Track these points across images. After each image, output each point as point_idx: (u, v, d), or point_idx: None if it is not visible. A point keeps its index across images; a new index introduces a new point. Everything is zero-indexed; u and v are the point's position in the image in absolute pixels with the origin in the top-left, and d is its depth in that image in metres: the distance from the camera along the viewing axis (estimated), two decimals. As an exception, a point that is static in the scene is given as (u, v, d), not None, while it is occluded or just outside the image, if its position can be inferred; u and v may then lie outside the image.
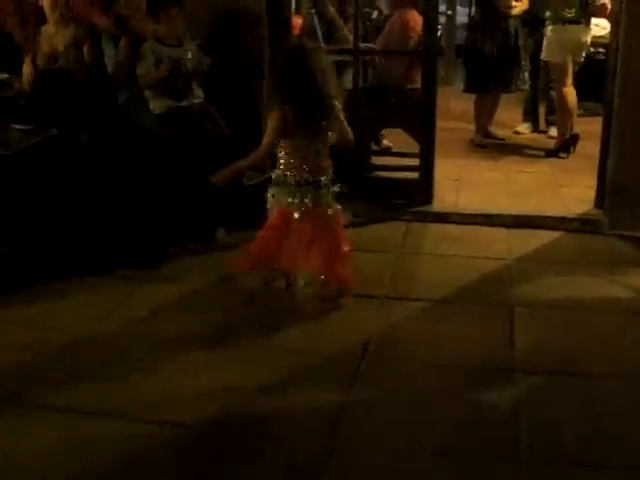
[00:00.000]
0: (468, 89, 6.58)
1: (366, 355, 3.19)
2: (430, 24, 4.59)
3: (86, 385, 2.93)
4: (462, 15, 7.03)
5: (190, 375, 2.99)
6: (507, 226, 4.66)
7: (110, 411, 2.76)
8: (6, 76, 4.52)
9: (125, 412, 2.76)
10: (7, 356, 3.15)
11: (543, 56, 6.06)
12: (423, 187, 4.85)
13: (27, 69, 4.47)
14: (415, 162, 4.94)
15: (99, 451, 2.54)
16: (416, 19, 5.19)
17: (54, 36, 4.48)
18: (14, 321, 3.49)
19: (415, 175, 4.91)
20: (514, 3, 6.28)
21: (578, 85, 6.11)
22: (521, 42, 6.56)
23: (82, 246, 4.00)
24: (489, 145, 6.51)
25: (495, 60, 6.28)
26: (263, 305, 3.57)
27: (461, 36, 6.89)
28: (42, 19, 4.53)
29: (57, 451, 2.54)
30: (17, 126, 4.06)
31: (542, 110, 6.97)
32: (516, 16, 6.37)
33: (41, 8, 4.55)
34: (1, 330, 3.41)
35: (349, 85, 5.02)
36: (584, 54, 6.06)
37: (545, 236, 4.55)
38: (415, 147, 5.05)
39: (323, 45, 5.34)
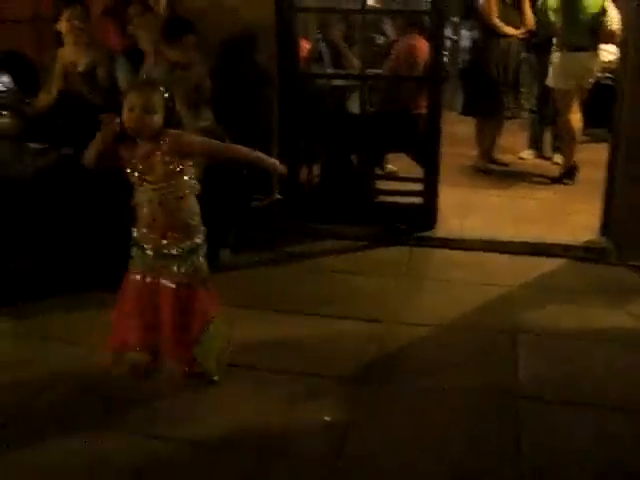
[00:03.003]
0: (464, 112, 6.69)
1: (368, 379, 3.30)
2: (436, 50, 4.70)
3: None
4: (467, 39, 7.11)
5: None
6: (512, 253, 4.77)
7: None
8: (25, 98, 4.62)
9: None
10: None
11: (548, 82, 6.16)
12: (427, 212, 4.99)
13: (44, 91, 4.57)
14: (419, 187, 5.06)
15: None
16: (422, 45, 5.33)
17: (70, 59, 4.59)
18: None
19: (419, 200, 5.02)
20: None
21: (585, 111, 6.18)
22: (524, 66, 6.63)
23: (93, 262, 4.13)
24: (493, 171, 6.61)
25: (493, 84, 6.37)
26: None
27: (463, 59, 6.97)
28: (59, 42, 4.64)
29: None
30: (34, 145, 4.19)
31: (548, 136, 7.04)
32: (519, 39, 6.42)
33: (58, 32, 4.67)
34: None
35: (355, 109, 5.12)
36: (591, 80, 6.11)
37: (550, 263, 4.66)
38: (419, 172, 5.16)
39: (330, 70, 5.46)
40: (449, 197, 5.23)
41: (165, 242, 3.01)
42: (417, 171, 5.29)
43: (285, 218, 4.96)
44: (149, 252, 3.03)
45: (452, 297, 4.14)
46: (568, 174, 6.19)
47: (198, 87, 4.41)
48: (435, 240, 4.89)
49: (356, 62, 5.36)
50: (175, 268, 3.02)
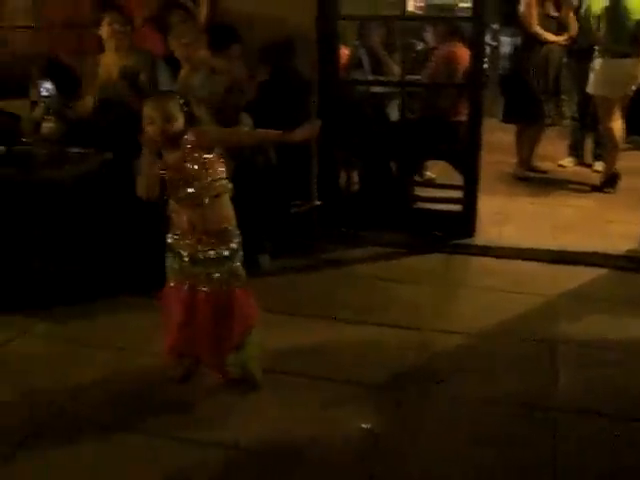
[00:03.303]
0: (504, 119, 6.66)
1: (404, 387, 3.31)
2: (476, 56, 4.70)
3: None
4: (507, 46, 7.08)
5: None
6: (551, 261, 4.74)
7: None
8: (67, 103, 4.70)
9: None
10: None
11: (589, 89, 6.11)
12: (466, 220, 4.99)
13: (85, 96, 4.65)
14: (458, 194, 5.07)
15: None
16: (462, 52, 5.32)
17: (112, 65, 4.66)
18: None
19: (458, 207, 5.04)
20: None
21: (627, 118, 6.12)
22: (565, 73, 6.60)
23: (129, 267, 4.21)
24: (532, 178, 6.57)
25: (533, 91, 6.34)
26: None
27: (505, 67, 6.95)
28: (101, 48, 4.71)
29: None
30: (75, 149, 4.27)
31: (588, 143, 6.99)
32: (560, 45, 6.39)
33: (99, 37, 4.73)
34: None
35: (395, 116, 5.14)
36: (634, 88, 6.06)
37: (589, 273, 4.61)
38: (458, 179, 5.17)
39: (370, 76, 5.48)
40: (487, 205, 5.22)
41: (201, 247, 3.02)
42: (456, 178, 5.30)
43: (324, 224, 4.99)
44: (185, 259, 3.05)
45: (490, 305, 4.13)
46: (609, 182, 6.14)
47: (237, 93, 4.46)
48: (473, 248, 4.88)
49: (396, 69, 5.37)
50: (212, 274, 3.03)
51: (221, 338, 3.09)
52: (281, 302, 4.06)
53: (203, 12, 5.08)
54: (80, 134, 4.52)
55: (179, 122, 2.94)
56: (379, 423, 3.02)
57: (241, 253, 3.12)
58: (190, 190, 2.97)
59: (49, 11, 5.67)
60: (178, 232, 3.06)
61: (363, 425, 3.00)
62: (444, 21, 5.69)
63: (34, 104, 4.99)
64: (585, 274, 4.56)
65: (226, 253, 3.04)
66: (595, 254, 4.75)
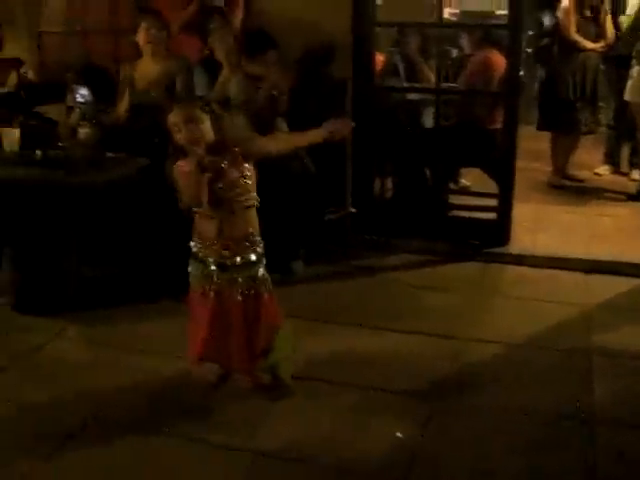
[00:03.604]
0: (540, 127, 6.61)
1: (439, 396, 3.30)
2: (512, 64, 4.68)
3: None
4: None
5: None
6: (586, 271, 4.70)
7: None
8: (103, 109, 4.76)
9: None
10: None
11: (627, 97, 6.06)
12: (500, 228, 4.96)
13: (121, 102, 4.69)
14: (492, 202, 5.04)
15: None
16: (498, 59, 5.30)
17: (148, 70, 4.71)
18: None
19: (492, 216, 5.02)
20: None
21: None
22: (602, 80, 6.54)
23: (165, 271, 4.24)
24: (567, 187, 6.52)
25: (569, 99, 6.29)
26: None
27: (539, 73, 6.90)
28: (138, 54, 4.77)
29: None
30: (111, 154, 4.31)
31: (625, 152, 6.92)
32: (597, 53, 6.35)
33: (136, 43, 4.79)
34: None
35: (429, 123, 5.13)
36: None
37: (625, 283, 4.57)
38: (493, 187, 5.14)
39: (405, 83, 5.47)
40: (522, 213, 5.20)
41: (228, 254, 3.02)
42: (490, 186, 5.28)
43: (358, 231, 5.00)
44: (212, 266, 3.04)
45: (526, 315, 4.10)
46: (646, 191, 6.09)
47: (274, 98, 4.48)
48: (508, 256, 4.85)
49: (431, 76, 5.37)
50: (240, 279, 3.04)
51: (250, 342, 3.09)
52: (314, 309, 4.07)
53: (238, 17, 5.12)
54: (115, 139, 4.58)
55: (205, 125, 2.94)
56: (413, 432, 3.00)
57: (264, 259, 3.12)
58: (226, 197, 2.97)
59: (86, 16, 5.75)
60: (202, 239, 3.05)
61: (397, 434, 2.99)
62: (480, 28, 5.66)
63: (70, 109, 5.06)
64: (620, 284, 4.52)
65: (253, 258, 3.05)
66: (631, 264, 4.70)
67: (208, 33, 4.71)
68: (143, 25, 4.69)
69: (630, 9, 6.29)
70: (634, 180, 6.52)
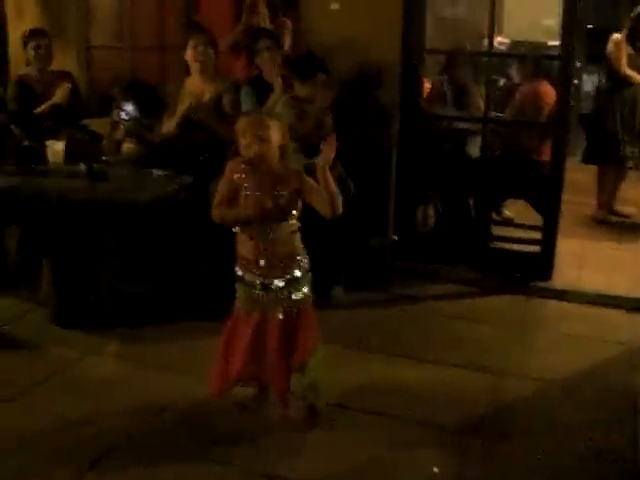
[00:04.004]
0: (585, 160, 6.54)
1: (476, 431, 3.24)
2: (563, 96, 4.64)
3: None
4: (589, 84, 7.01)
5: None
6: (631, 309, 4.61)
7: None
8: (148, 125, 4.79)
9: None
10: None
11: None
12: (544, 262, 4.91)
13: (168, 119, 4.73)
14: (536, 235, 5.00)
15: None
16: (548, 90, 5.26)
17: (196, 88, 4.74)
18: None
19: (536, 249, 4.96)
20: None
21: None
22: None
23: (208, 290, 4.27)
24: (613, 222, 6.41)
25: (616, 132, 6.22)
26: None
27: (586, 105, 6.85)
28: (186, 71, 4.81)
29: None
30: (156, 171, 4.32)
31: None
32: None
33: (184, 60, 4.83)
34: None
35: (475, 152, 5.09)
36: None
37: (672, 324, 4.46)
38: (536, 219, 5.09)
39: (452, 111, 5.45)
40: (565, 247, 5.12)
41: (271, 273, 3.01)
42: (533, 218, 5.22)
43: (398, 258, 4.96)
44: (257, 288, 3.04)
45: (568, 352, 4.03)
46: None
47: (320, 122, 4.49)
48: (551, 291, 4.78)
49: (481, 104, 5.33)
50: (282, 299, 3.03)
51: (287, 358, 3.08)
52: (352, 336, 4.03)
53: (287, 41, 5.16)
54: (160, 156, 4.61)
55: (274, 145, 2.93)
56: (450, 467, 2.95)
57: (309, 276, 3.11)
58: (267, 220, 2.96)
59: (134, 32, 5.83)
60: (245, 262, 3.04)
61: (434, 469, 2.94)
62: (531, 58, 5.63)
63: (115, 124, 5.10)
64: (668, 325, 4.44)
65: (297, 274, 3.04)
66: (677, 304, 4.62)
67: (256, 53, 4.73)
68: (191, 42, 4.72)
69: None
70: (683, 217, 6.44)
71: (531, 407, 3.48)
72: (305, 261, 3.09)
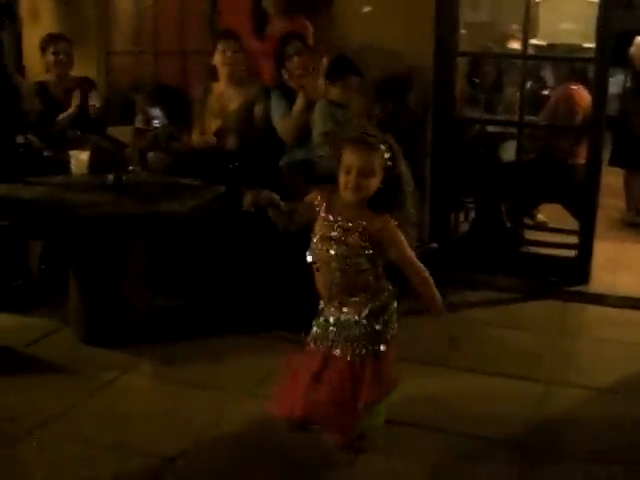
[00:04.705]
0: (612, 162, 6.54)
1: (525, 443, 3.19)
2: (599, 98, 4.62)
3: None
4: (615, 86, 6.99)
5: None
6: (670, 313, 4.57)
7: None
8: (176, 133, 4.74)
9: None
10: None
11: None
12: (581, 266, 4.88)
13: (196, 126, 4.70)
14: (570, 239, 4.98)
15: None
16: (582, 94, 5.25)
17: (225, 93, 4.70)
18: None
19: (571, 253, 4.94)
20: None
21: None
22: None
23: (239, 303, 4.21)
24: (641, 225, 6.42)
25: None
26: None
27: (612, 107, 6.84)
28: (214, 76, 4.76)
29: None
30: (187, 181, 4.25)
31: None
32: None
33: (212, 65, 4.81)
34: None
35: (508, 156, 5.07)
36: None
37: None
38: (570, 223, 5.04)
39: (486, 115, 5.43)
40: (598, 251, 5.06)
41: (346, 310, 2.83)
42: (567, 222, 5.20)
43: (435, 266, 4.89)
44: (331, 326, 2.87)
45: (611, 357, 3.99)
46: None
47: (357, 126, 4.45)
48: (589, 296, 4.76)
49: (515, 108, 5.31)
50: (353, 336, 2.82)
51: (351, 402, 2.85)
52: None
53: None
54: (188, 166, 4.57)
55: (376, 179, 2.70)
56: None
57: (393, 305, 2.94)
58: (336, 253, 2.77)
59: (156, 37, 5.78)
60: (320, 294, 2.89)
61: None
62: (566, 61, 5.62)
63: (139, 132, 5.06)
64: None
65: (373, 310, 2.84)
66: None
67: (286, 58, 4.70)
68: (220, 47, 4.69)
69: None
70: None
71: (579, 417, 3.41)
72: (385, 292, 2.89)
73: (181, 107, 4.94)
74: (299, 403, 2.87)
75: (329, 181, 2.84)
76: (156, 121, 4.98)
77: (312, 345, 2.92)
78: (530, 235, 5.43)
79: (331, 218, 2.78)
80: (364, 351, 2.83)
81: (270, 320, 4.14)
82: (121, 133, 5.24)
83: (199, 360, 3.80)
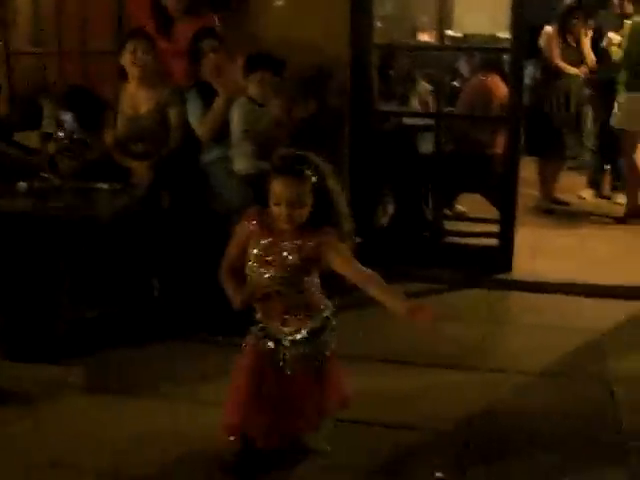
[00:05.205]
0: (527, 152, 6.68)
1: (474, 432, 3.24)
2: (515, 89, 4.70)
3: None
4: (526, 78, 7.17)
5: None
6: (589, 295, 4.72)
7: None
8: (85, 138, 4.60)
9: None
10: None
11: (613, 123, 6.17)
12: (503, 254, 4.95)
13: (108, 128, 4.56)
14: (491, 228, 5.05)
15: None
16: (498, 84, 5.31)
17: (135, 95, 4.57)
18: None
19: (492, 241, 5.02)
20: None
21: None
22: (585, 106, 6.66)
23: (167, 309, 4.11)
24: (556, 210, 6.59)
25: (554, 124, 6.40)
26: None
27: (524, 98, 7.01)
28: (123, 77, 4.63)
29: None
30: (104, 185, 4.14)
31: (607, 176, 7.05)
32: (580, 78, 6.47)
33: (116, 65, 4.66)
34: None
35: (429, 148, 5.11)
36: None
37: (629, 307, 4.58)
38: (488, 212, 5.14)
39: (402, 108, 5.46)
40: (517, 239, 5.17)
41: (286, 329, 2.79)
42: (484, 211, 5.28)
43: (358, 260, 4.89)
44: (270, 342, 2.81)
45: (537, 342, 4.09)
46: (633, 215, 6.19)
47: (278, 125, 4.42)
48: (512, 283, 4.84)
49: (429, 99, 5.36)
50: (296, 355, 2.80)
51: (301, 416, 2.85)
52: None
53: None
54: (102, 169, 4.44)
55: (306, 208, 2.63)
56: (452, 469, 2.93)
57: (333, 321, 2.90)
58: (272, 276, 2.71)
59: (60, 36, 5.57)
60: (260, 312, 2.82)
61: (437, 474, 2.90)
62: (482, 52, 5.70)
63: (47, 137, 4.88)
64: (628, 308, 4.54)
65: (316, 327, 2.82)
66: (632, 287, 4.75)
67: (201, 55, 4.61)
68: (129, 47, 4.53)
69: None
70: (617, 204, 6.65)
71: (522, 402, 3.49)
72: (327, 308, 2.87)
73: (94, 110, 4.76)
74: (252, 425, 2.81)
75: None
76: (69, 126, 4.80)
77: (253, 356, 2.83)
78: (451, 226, 5.50)
79: (266, 241, 2.70)
80: (307, 368, 2.81)
81: (200, 324, 4.06)
82: (27, 138, 5.06)
83: (131, 368, 3.71)
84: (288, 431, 2.86)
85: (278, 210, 2.62)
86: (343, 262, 2.71)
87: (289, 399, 2.81)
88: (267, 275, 2.70)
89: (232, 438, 2.85)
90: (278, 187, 2.61)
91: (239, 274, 2.77)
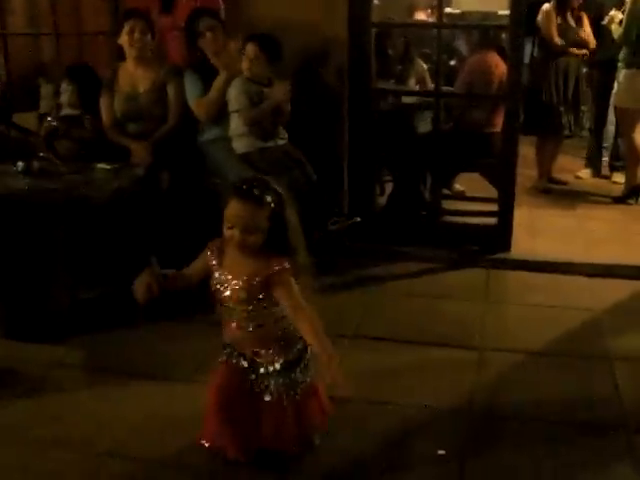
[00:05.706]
0: (524, 131, 6.65)
1: (471, 409, 3.27)
2: (515, 66, 4.67)
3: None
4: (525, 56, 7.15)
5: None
6: (587, 275, 4.73)
7: None
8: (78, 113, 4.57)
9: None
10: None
11: (614, 101, 6.15)
12: (502, 233, 4.94)
13: (106, 108, 4.54)
14: (489, 207, 5.05)
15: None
16: (497, 61, 5.29)
17: (133, 74, 4.56)
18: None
19: (490, 221, 5.01)
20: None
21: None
22: (584, 84, 6.64)
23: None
24: (553, 190, 6.58)
25: (552, 103, 6.38)
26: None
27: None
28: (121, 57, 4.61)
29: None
30: (102, 165, 4.13)
31: (606, 155, 7.05)
32: (579, 57, 6.45)
33: (114, 46, 4.67)
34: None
35: (424, 128, 5.10)
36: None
37: (628, 286, 4.59)
38: (486, 191, 5.12)
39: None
40: (516, 218, 5.18)
41: (259, 360, 2.74)
42: (483, 190, 5.27)
43: (355, 240, 4.91)
44: (243, 362, 2.76)
45: (537, 321, 4.10)
46: (632, 194, 6.18)
47: (278, 107, 4.41)
48: (511, 262, 4.84)
49: (427, 77, 5.34)
50: (272, 385, 2.74)
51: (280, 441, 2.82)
52: (329, 324, 3.89)
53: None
54: (98, 150, 4.43)
55: (259, 235, 2.54)
56: (454, 447, 2.95)
57: (307, 354, 2.78)
58: (233, 307, 2.66)
59: (54, 17, 5.55)
60: (231, 340, 2.78)
61: (439, 452, 2.93)
62: (481, 29, 5.66)
63: (44, 117, 4.87)
64: (625, 287, 4.55)
65: (289, 361, 2.74)
66: (631, 267, 4.75)
67: (198, 35, 4.59)
68: (126, 27, 4.51)
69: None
70: (616, 183, 6.64)
71: (517, 380, 3.50)
72: (299, 343, 2.75)
73: (93, 87, 4.73)
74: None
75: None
76: (62, 98, 4.78)
77: (225, 373, 2.79)
78: (449, 205, 5.49)
79: (223, 277, 2.65)
80: (281, 398, 2.75)
81: (200, 305, 4.05)
82: (25, 120, 5.05)
83: (129, 348, 3.72)
84: (262, 447, 2.83)
85: (230, 233, 2.55)
86: (282, 294, 2.59)
87: (260, 419, 2.77)
88: (235, 310, 2.66)
89: (207, 445, 2.86)
90: (234, 210, 2.53)
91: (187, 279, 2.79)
